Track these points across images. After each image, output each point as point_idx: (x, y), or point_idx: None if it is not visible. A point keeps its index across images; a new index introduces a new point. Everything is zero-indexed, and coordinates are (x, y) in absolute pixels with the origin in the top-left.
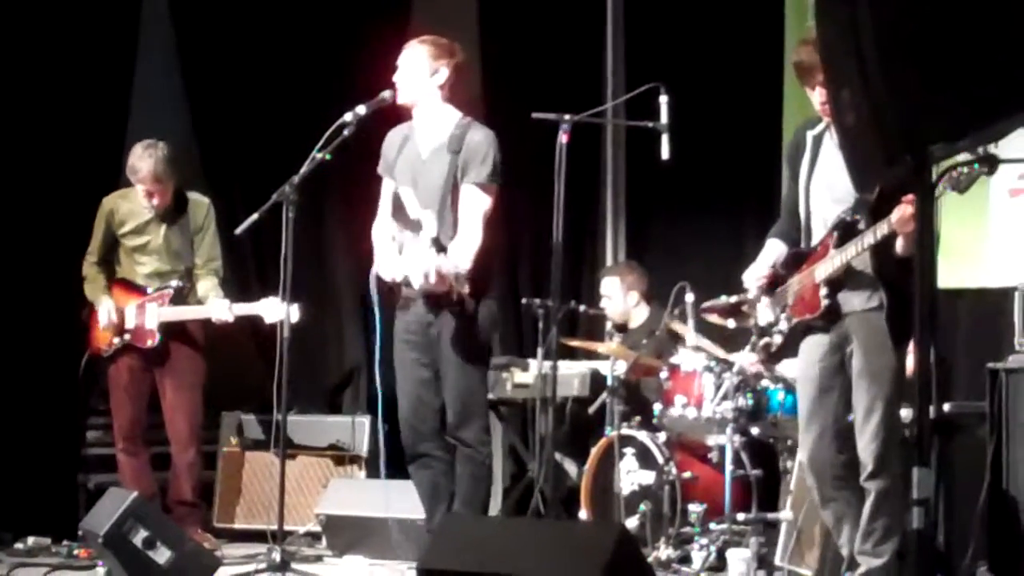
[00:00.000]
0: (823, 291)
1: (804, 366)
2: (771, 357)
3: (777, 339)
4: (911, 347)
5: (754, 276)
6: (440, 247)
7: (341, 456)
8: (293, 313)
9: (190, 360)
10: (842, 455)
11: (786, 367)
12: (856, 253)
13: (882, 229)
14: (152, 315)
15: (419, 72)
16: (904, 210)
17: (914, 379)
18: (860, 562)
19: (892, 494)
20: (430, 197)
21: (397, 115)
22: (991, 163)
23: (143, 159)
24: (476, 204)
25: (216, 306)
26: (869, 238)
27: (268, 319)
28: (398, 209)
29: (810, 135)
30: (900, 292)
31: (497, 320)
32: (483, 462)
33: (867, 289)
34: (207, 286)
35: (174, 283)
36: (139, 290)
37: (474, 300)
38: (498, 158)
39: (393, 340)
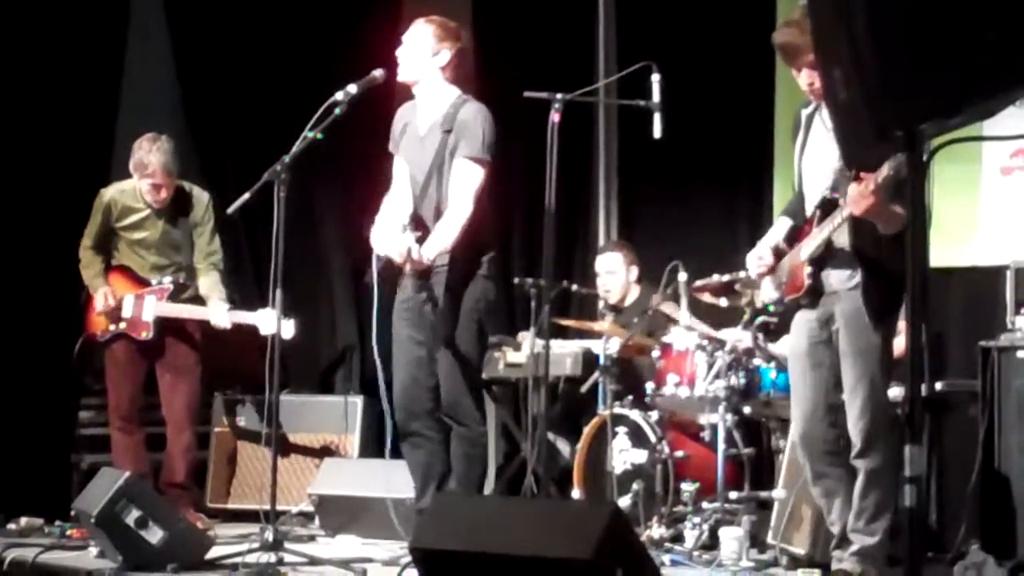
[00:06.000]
0: (806, 270)
1: (795, 342)
2: (769, 335)
3: (775, 318)
4: (902, 325)
5: (755, 257)
6: (417, 227)
7: (333, 436)
8: (289, 328)
9: (186, 349)
10: (833, 430)
11: (778, 346)
12: (830, 231)
13: (847, 210)
14: (149, 308)
15: (422, 51)
16: (853, 189)
17: (906, 357)
18: (853, 540)
19: (882, 472)
20: (422, 173)
21: (405, 93)
22: None
23: (152, 153)
24: (466, 179)
25: (216, 312)
26: (838, 217)
27: (263, 330)
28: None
29: (804, 113)
30: (876, 269)
31: (491, 300)
32: (477, 441)
33: (848, 268)
34: (208, 283)
35: (173, 279)
36: (139, 280)
37: (463, 276)
38: (489, 132)
39: (390, 321)
